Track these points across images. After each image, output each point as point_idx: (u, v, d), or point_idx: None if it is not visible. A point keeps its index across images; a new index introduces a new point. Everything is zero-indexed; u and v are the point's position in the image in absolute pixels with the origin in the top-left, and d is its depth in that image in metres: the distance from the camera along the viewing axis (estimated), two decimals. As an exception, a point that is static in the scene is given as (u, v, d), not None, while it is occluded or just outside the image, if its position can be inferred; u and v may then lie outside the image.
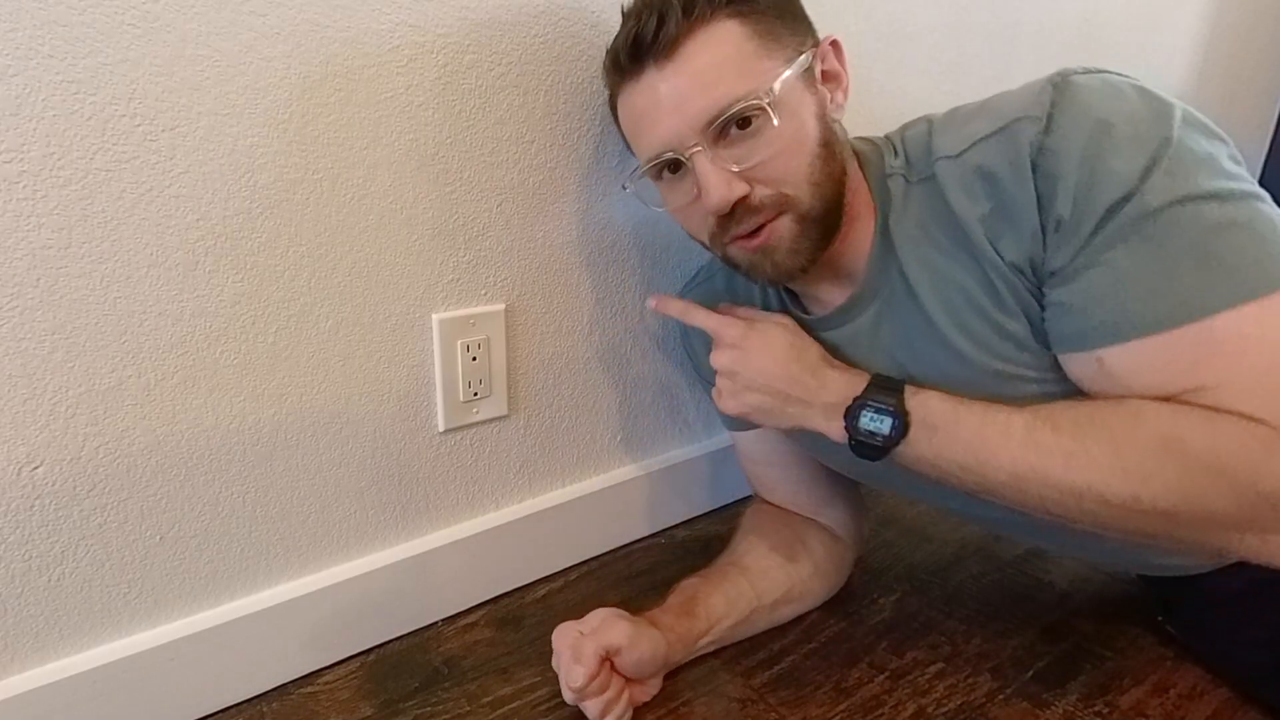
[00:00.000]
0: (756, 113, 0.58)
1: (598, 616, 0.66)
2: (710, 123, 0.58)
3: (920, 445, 0.60)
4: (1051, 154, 0.53)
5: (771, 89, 0.58)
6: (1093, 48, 1.25)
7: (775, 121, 0.58)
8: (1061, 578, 0.85)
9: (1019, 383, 0.60)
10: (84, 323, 0.56)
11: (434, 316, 0.72)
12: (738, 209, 0.61)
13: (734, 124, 0.59)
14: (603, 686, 0.63)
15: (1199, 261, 0.50)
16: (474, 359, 0.75)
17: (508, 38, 0.69)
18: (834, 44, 0.64)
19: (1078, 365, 0.56)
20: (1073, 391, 0.58)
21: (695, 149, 0.59)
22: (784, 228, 0.62)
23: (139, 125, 0.55)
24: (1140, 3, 1.29)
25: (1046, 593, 0.82)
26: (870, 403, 0.61)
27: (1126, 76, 0.55)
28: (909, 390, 0.61)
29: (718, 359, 0.68)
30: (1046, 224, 0.54)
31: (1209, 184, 0.50)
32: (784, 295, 0.74)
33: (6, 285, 0.53)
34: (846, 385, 0.63)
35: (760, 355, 0.66)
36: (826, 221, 0.62)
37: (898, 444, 0.60)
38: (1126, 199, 0.51)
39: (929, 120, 0.63)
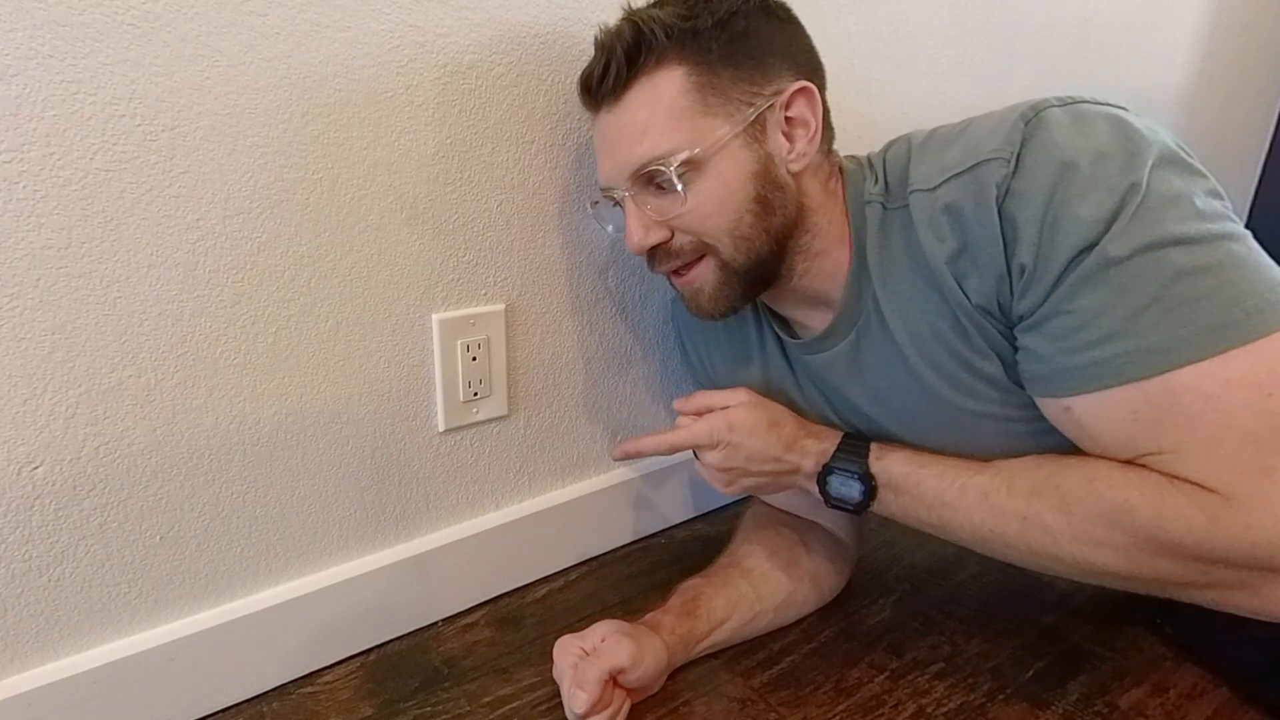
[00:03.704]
0: (663, 176, 0.60)
1: (599, 633, 0.66)
2: (634, 174, 0.61)
3: (888, 505, 0.65)
4: (1016, 198, 0.52)
5: (696, 150, 0.59)
6: (1093, 48, 1.25)
7: (679, 187, 0.60)
8: (1061, 578, 0.85)
9: (994, 421, 0.61)
10: (84, 323, 0.56)
11: (434, 316, 0.72)
12: (658, 251, 0.65)
13: (656, 177, 0.61)
14: (605, 705, 0.63)
15: (1164, 312, 0.49)
16: (474, 359, 0.75)
17: (508, 38, 0.69)
18: (803, 90, 0.61)
19: (1049, 410, 0.57)
20: (1050, 430, 0.58)
21: (626, 193, 0.63)
22: (707, 272, 0.65)
23: (139, 125, 0.55)
24: (1140, 3, 1.29)
25: (1046, 593, 0.82)
26: (837, 469, 0.66)
27: (1106, 105, 0.54)
28: (874, 453, 0.65)
29: (710, 459, 0.70)
30: (1012, 269, 0.54)
31: (1178, 228, 0.49)
32: (768, 317, 0.75)
33: (6, 285, 0.53)
34: (820, 453, 0.67)
35: (747, 444, 0.68)
36: (753, 274, 0.64)
37: (867, 506, 0.65)
38: (1090, 247, 0.50)
39: (909, 142, 0.63)
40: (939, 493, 0.62)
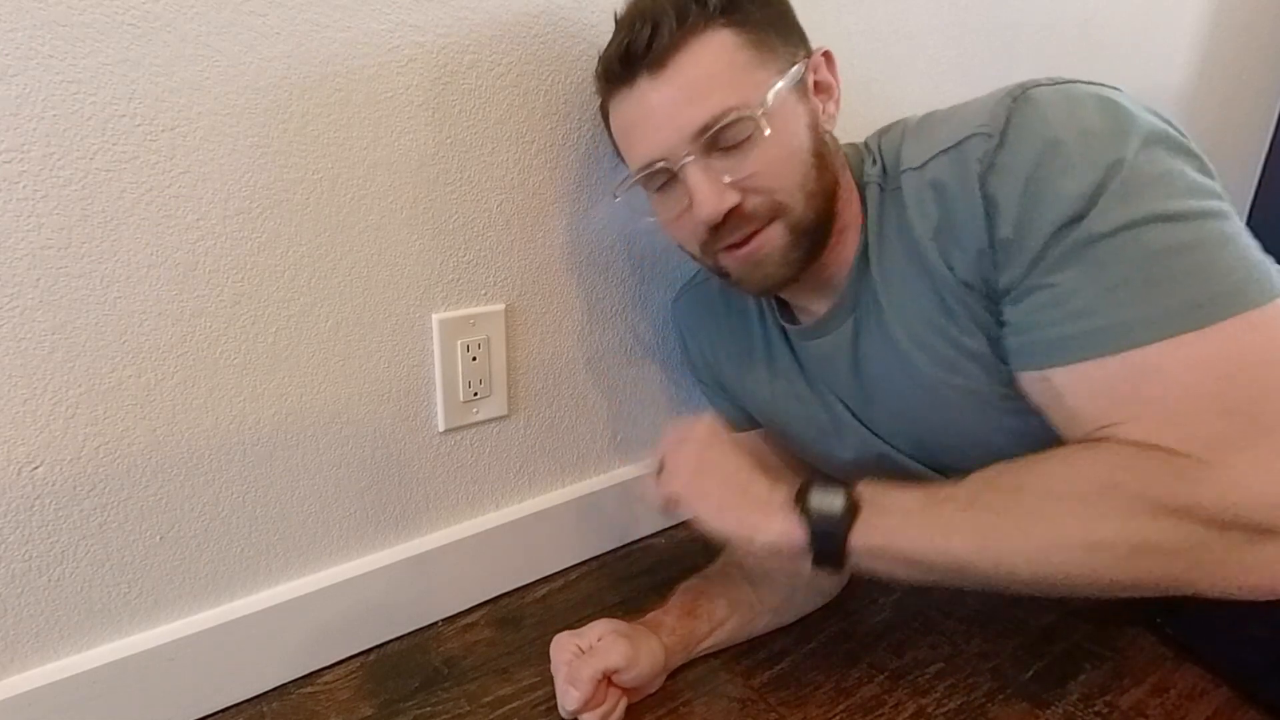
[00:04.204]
0: (749, 123, 0.58)
1: (596, 631, 0.66)
2: (702, 133, 0.58)
3: (870, 532, 0.56)
4: (999, 172, 0.52)
5: (765, 100, 0.58)
6: (1093, 48, 1.25)
7: (767, 132, 0.57)
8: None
9: (978, 400, 0.60)
10: (84, 323, 0.56)
11: (434, 316, 0.72)
12: (730, 218, 0.60)
13: (726, 135, 0.58)
14: (598, 703, 0.63)
15: (1144, 287, 0.49)
16: (474, 359, 0.75)
17: (507, 38, 0.69)
18: (826, 55, 0.64)
19: (1028, 383, 0.56)
20: (1030, 410, 0.57)
21: (687, 159, 0.59)
22: (776, 236, 0.61)
23: (139, 125, 0.55)
24: (1140, 3, 1.29)
25: (1046, 593, 0.83)
26: (816, 484, 0.58)
27: (1096, 85, 0.54)
28: (854, 484, 0.58)
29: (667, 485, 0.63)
30: (994, 243, 0.54)
31: (1162, 205, 0.49)
32: (773, 303, 0.74)
33: (6, 285, 0.53)
34: (790, 488, 0.59)
35: (709, 492, 0.61)
36: (818, 233, 0.62)
37: (851, 525, 0.56)
38: (1073, 222, 0.50)
39: (904, 125, 0.63)
40: (928, 500, 0.55)
